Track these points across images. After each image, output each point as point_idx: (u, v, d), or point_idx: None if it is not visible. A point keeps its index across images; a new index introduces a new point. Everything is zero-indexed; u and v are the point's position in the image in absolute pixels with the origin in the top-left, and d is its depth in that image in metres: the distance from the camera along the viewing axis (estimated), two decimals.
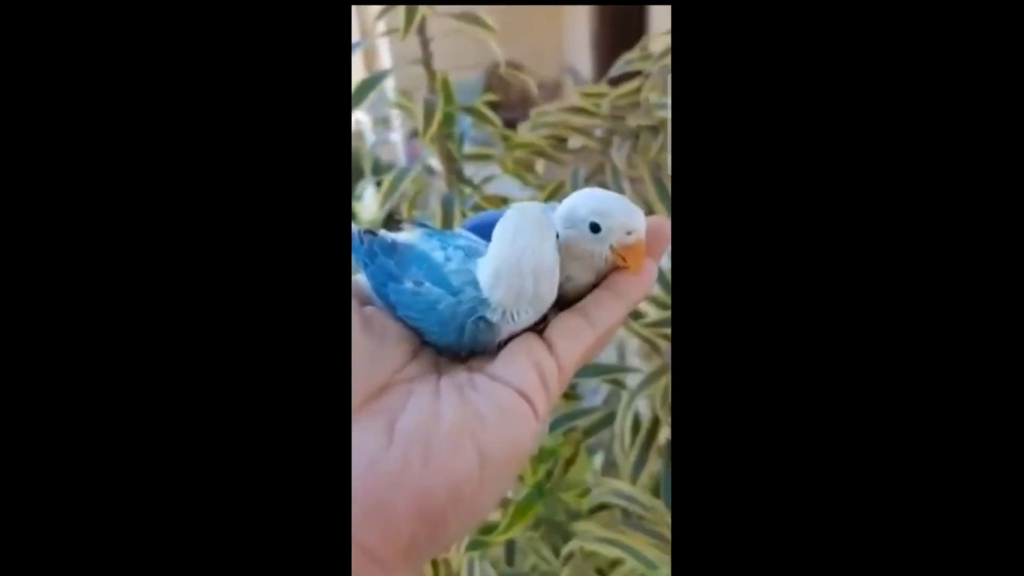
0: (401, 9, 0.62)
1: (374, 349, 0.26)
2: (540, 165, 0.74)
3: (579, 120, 0.69)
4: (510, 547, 0.64)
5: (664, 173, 0.63)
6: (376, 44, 1.96)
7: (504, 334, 0.27)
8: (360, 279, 0.29)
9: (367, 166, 1.04)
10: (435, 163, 0.75)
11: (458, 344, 0.27)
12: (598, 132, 0.70)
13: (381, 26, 0.68)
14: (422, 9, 0.62)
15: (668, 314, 0.61)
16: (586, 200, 0.28)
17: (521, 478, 0.61)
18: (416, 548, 0.22)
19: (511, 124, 0.76)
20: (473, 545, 0.57)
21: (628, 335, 0.67)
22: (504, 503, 0.60)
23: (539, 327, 0.27)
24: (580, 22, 2.89)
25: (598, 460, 0.78)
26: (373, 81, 0.68)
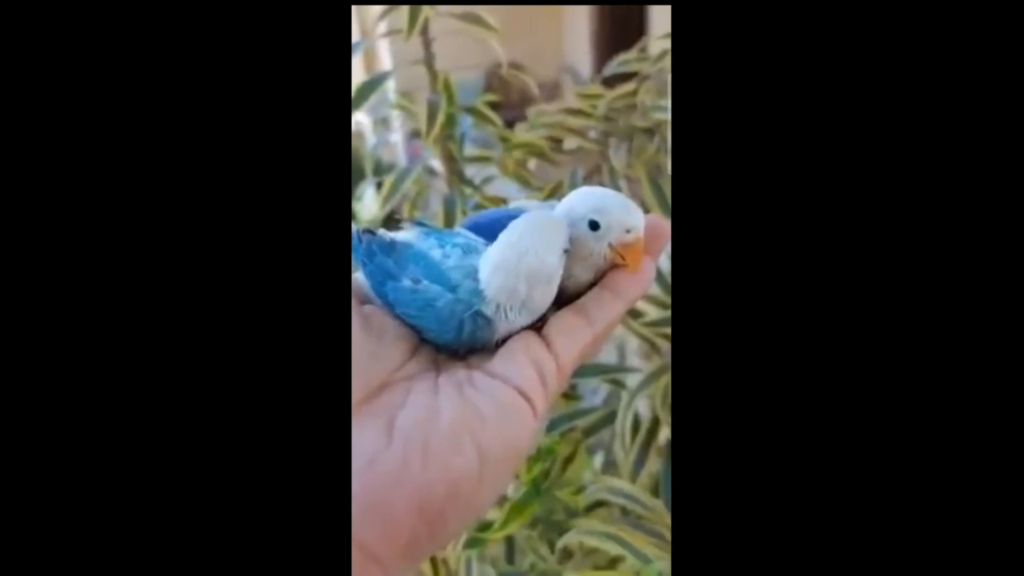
0: (404, 10, 0.62)
1: (373, 347, 0.26)
2: (536, 165, 0.74)
3: (576, 121, 0.69)
4: (510, 546, 0.64)
5: (661, 174, 0.64)
6: (377, 45, 1.96)
7: (500, 332, 0.27)
8: (359, 278, 0.29)
9: (368, 167, 1.04)
10: (436, 164, 0.75)
11: (456, 341, 0.27)
12: (593, 133, 0.70)
13: (382, 27, 0.69)
14: (425, 10, 0.62)
15: (668, 314, 0.62)
16: (585, 198, 0.28)
17: (518, 476, 0.61)
18: (415, 546, 0.23)
19: (511, 124, 0.76)
20: (470, 543, 0.57)
21: (628, 335, 0.67)
22: (501, 501, 0.60)
23: (538, 325, 0.27)
24: (580, 22, 2.90)
25: (598, 460, 0.78)
26: (375, 83, 0.68)
